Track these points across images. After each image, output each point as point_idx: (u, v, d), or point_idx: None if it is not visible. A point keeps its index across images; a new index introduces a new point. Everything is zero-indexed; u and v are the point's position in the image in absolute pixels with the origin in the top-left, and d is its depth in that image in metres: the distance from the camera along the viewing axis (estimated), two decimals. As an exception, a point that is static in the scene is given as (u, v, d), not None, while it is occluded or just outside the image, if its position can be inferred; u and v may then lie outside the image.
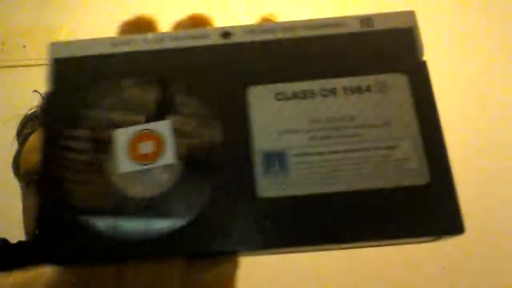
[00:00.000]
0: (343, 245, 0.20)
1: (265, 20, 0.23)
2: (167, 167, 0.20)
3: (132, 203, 0.20)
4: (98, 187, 0.20)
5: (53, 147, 0.21)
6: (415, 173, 0.19)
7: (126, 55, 0.22)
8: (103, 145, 0.21)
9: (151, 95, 0.21)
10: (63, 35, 1.09)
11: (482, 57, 1.05)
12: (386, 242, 0.19)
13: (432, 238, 0.19)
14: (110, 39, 0.22)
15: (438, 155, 0.19)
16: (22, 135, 0.62)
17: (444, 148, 0.20)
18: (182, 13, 0.24)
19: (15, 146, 0.63)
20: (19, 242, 0.61)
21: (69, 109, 0.21)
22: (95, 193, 0.20)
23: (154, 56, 0.22)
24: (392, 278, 0.89)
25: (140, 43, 0.22)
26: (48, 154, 0.21)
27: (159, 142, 0.20)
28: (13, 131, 0.64)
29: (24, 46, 1.06)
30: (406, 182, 0.19)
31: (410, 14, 0.22)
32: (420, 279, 0.89)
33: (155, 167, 0.20)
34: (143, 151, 0.20)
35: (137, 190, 0.20)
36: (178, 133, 0.20)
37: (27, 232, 0.58)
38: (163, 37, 0.22)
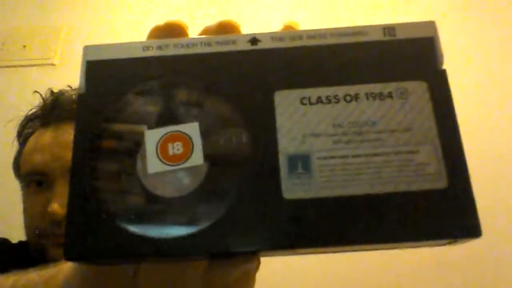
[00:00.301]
0: (364, 247, 0.20)
1: (288, 27, 0.24)
2: (195, 167, 0.21)
3: (160, 202, 0.20)
4: (127, 186, 0.21)
5: (83, 147, 0.21)
6: (434, 178, 0.20)
7: (157, 59, 0.23)
8: (134, 146, 0.21)
9: (181, 97, 0.22)
10: (63, 35, 1.09)
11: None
12: (405, 244, 0.20)
13: (448, 241, 0.20)
14: (142, 43, 0.23)
15: (456, 160, 0.20)
16: (22, 135, 0.62)
17: (462, 153, 0.20)
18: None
19: (15, 146, 0.63)
20: (19, 242, 0.61)
21: (99, 111, 0.22)
22: (124, 192, 0.21)
23: (184, 61, 0.22)
24: (392, 277, 0.89)
25: (171, 47, 0.23)
26: (79, 153, 0.21)
27: (187, 144, 0.21)
28: (13, 132, 0.64)
29: (24, 46, 1.06)
30: (426, 186, 0.20)
31: (431, 24, 0.23)
32: (420, 279, 0.89)
33: (184, 168, 0.21)
34: (172, 152, 0.21)
35: (165, 190, 0.21)
36: (206, 135, 0.21)
37: (27, 233, 0.58)
38: (194, 42, 0.23)
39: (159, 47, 0.23)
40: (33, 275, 0.26)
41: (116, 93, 0.22)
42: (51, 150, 0.55)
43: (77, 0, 1.16)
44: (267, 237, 0.19)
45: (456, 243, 0.20)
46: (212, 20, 0.25)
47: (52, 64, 1.10)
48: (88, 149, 0.21)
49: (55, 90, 0.62)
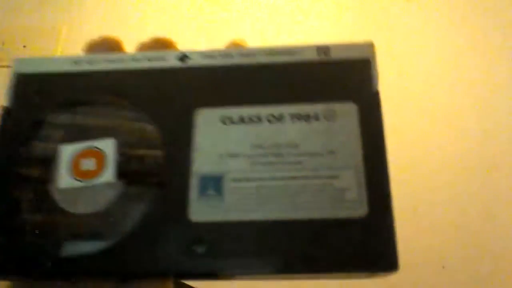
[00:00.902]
0: (274, 276, 0.19)
1: (234, 44, 0.24)
2: (107, 185, 0.20)
3: (70, 218, 0.20)
4: (39, 202, 0.20)
5: (6, 164, 0.21)
6: (353, 205, 0.19)
7: (87, 73, 0.22)
8: (50, 163, 0.21)
9: (101, 114, 0.22)
10: (63, 35, 1.10)
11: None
12: (317, 275, 0.19)
13: (366, 274, 0.19)
14: (73, 57, 0.23)
15: (380, 187, 0.19)
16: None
17: (387, 180, 0.19)
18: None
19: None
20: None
21: (25, 127, 0.22)
22: (36, 208, 0.20)
23: (112, 76, 0.22)
24: (391, 277, 0.88)
25: (101, 62, 0.23)
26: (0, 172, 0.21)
27: (101, 160, 0.21)
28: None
29: (24, 46, 1.07)
30: (344, 213, 0.19)
31: (369, 46, 0.22)
32: (420, 279, 0.88)
33: (95, 185, 0.20)
34: (84, 168, 0.21)
35: (76, 206, 0.20)
36: (121, 152, 0.21)
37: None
38: (123, 57, 0.23)
39: (89, 62, 0.23)
40: None
41: (40, 107, 0.22)
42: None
43: (77, 0, 1.16)
44: (171, 260, 0.18)
45: (375, 275, 0.19)
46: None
47: (52, 64, 1.11)
48: (6, 166, 0.21)
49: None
